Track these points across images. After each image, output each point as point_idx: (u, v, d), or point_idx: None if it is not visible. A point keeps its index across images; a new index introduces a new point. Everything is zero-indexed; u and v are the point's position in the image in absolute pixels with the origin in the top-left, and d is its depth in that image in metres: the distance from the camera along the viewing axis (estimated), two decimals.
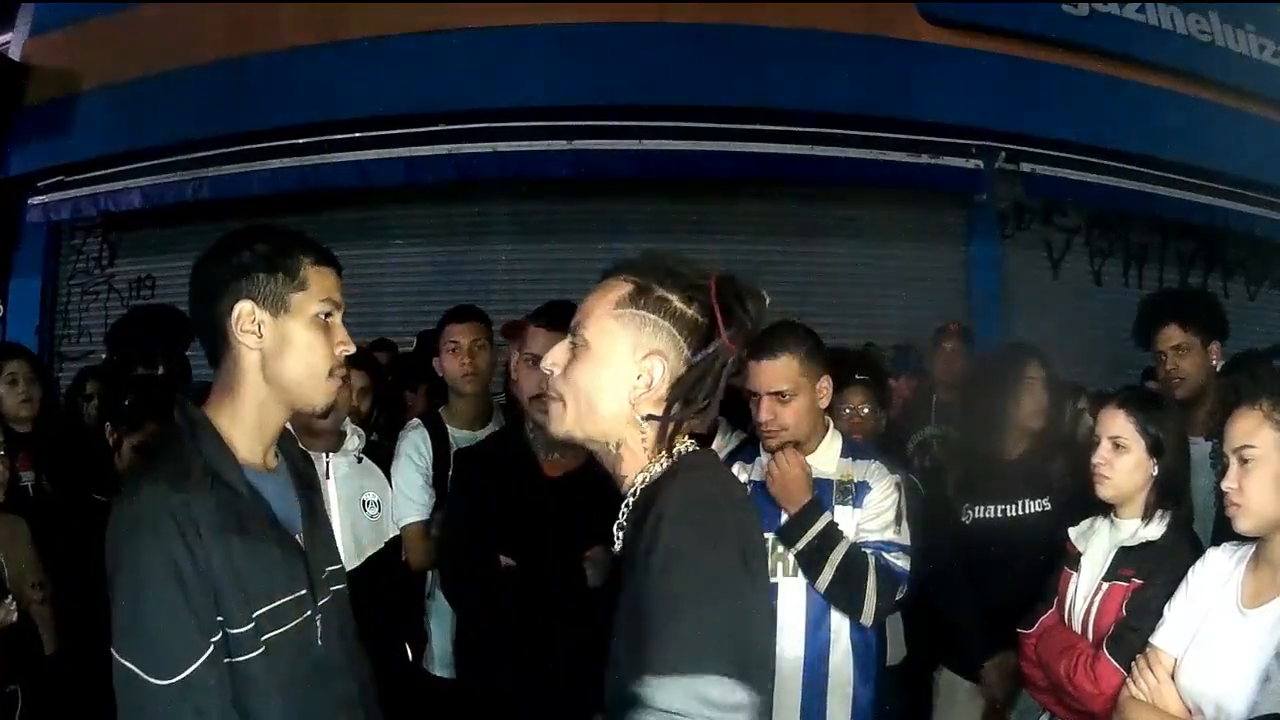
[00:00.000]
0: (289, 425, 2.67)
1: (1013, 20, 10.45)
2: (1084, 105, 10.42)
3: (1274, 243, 11.37)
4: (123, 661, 2.24)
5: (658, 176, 9.82)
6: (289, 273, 2.44)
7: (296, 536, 2.56)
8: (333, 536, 2.86)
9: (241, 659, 2.32)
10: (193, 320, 2.53)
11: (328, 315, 2.50)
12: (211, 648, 2.26)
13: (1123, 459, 3.63)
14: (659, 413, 2.21)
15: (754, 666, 2.01)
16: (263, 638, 2.36)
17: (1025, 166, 10.23)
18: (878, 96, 9.91)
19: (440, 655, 4.78)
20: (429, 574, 4.84)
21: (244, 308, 2.41)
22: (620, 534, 2.27)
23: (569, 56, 9.64)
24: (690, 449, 2.26)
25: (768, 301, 2.25)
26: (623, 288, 2.24)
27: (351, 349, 2.56)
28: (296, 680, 2.43)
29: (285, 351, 2.45)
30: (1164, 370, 4.90)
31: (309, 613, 2.51)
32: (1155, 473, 3.63)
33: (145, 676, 2.22)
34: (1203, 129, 10.75)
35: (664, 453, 2.24)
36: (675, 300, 2.20)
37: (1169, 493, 3.65)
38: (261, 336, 2.43)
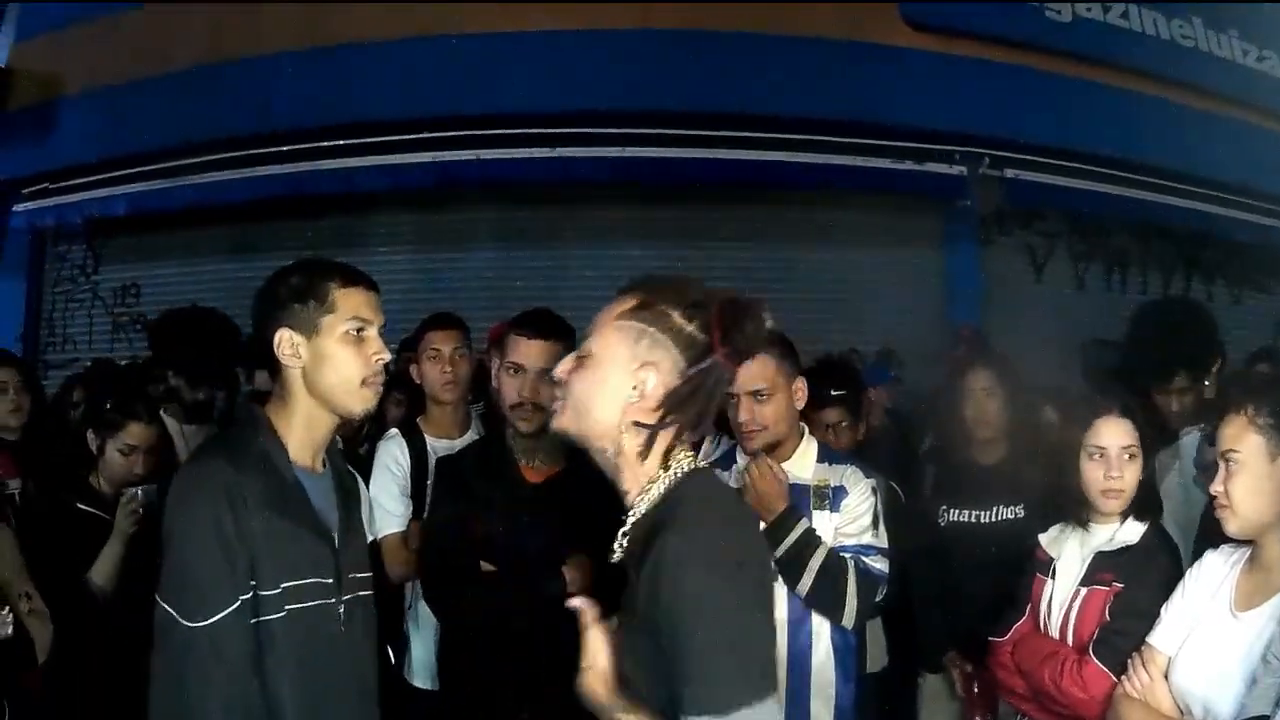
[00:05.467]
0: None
1: (996, 25, 10.46)
2: (1068, 111, 10.43)
3: (1257, 246, 11.41)
4: (163, 605, 2.60)
5: (641, 182, 9.85)
6: (318, 299, 2.81)
7: (333, 533, 2.89)
8: (365, 548, 3.21)
9: (266, 618, 2.65)
10: (256, 348, 2.92)
11: (359, 330, 2.84)
12: (239, 603, 2.60)
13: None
14: (651, 422, 2.28)
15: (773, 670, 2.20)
16: (286, 606, 2.68)
17: (1009, 172, 10.25)
18: (861, 102, 9.90)
19: (420, 666, 4.77)
20: (408, 585, 4.84)
21: (283, 335, 2.80)
22: (621, 548, 2.35)
23: (552, 63, 9.62)
24: (688, 465, 2.34)
25: (769, 325, 2.34)
26: (628, 301, 2.35)
27: (386, 356, 2.89)
28: (313, 653, 2.74)
29: (322, 367, 2.81)
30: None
31: (332, 600, 2.82)
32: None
33: (179, 618, 2.57)
34: (1187, 134, 10.78)
35: (660, 467, 2.32)
36: (676, 316, 2.29)
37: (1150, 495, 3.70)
38: (300, 357, 2.81)
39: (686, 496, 2.28)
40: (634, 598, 2.22)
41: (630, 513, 2.33)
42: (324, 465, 2.98)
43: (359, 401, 2.85)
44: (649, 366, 2.27)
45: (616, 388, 2.29)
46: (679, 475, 2.32)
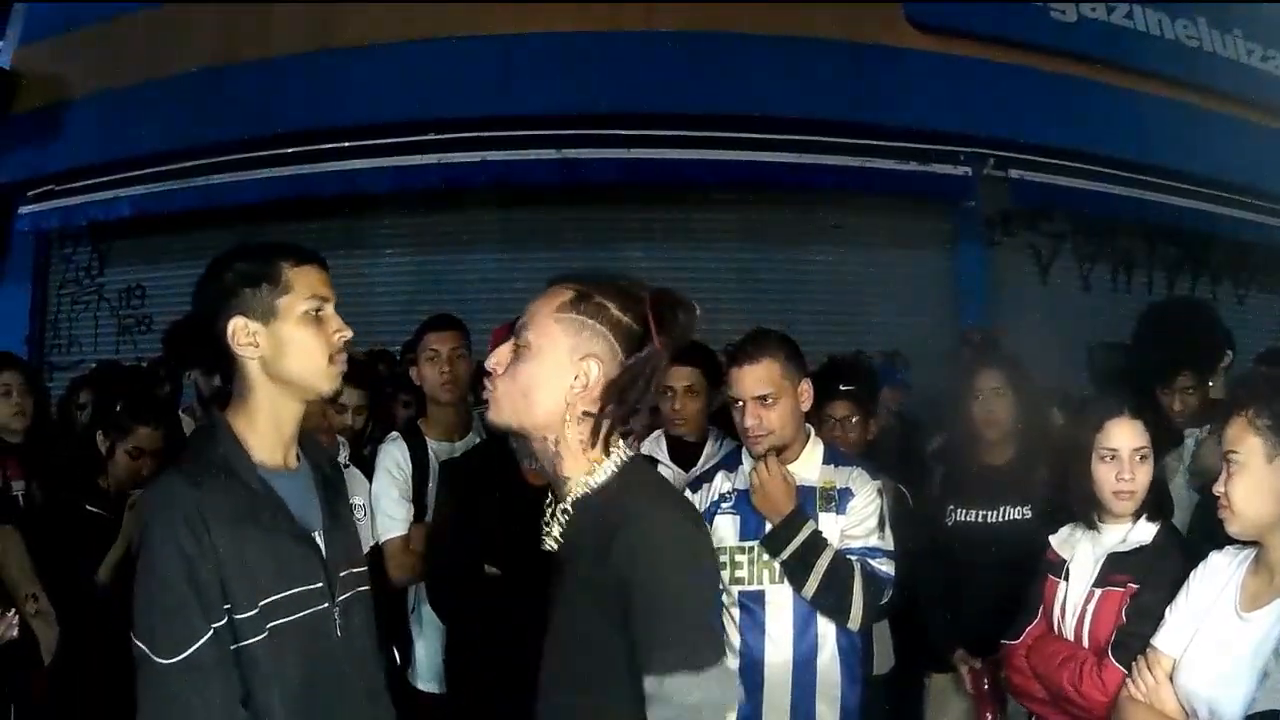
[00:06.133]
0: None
1: (1000, 26, 10.47)
2: (1073, 111, 10.43)
3: (1262, 246, 11.40)
4: (136, 642, 2.42)
5: (645, 184, 9.86)
6: (271, 281, 2.62)
7: (315, 534, 2.70)
8: (358, 541, 3.03)
9: (246, 643, 2.47)
10: (201, 343, 2.72)
11: (318, 310, 2.66)
12: (212, 632, 2.42)
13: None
14: (595, 411, 2.38)
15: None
16: (269, 624, 2.50)
17: (1014, 173, 10.24)
18: (866, 103, 9.92)
19: (424, 669, 4.78)
20: (411, 589, 4.85)
21: (237, 323, 2.60)
22: (554, 532, 2.48)
23: (557, 65, 9.66)
24: (626, 455, 2.45)
25: (698, 313, 2.45)
26: (565, 294, 2.43)
27: (348, 334, 2.71)
28: (306, 668, 2.57)
29: (284, 352, 2.62)
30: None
31: (324, 605, 2.65)
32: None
33: (152, 656, 2.39)
34: (1191, 134, 10.79)
35: (601, 454, 2.42)
36: (613, 308, 2.39)
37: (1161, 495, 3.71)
38: (258, 345, 2.61)
39: (634, 483, 2.42)
40: (577, 581, 2.38)
41: (567, 498, 2.43)
42: (299, 459, 2.79)
43: (327, 381, 2.68)
44: (591, 358, 2.36)
45: (561, 378, 2.37)
46: (620, 462, 2.42)
